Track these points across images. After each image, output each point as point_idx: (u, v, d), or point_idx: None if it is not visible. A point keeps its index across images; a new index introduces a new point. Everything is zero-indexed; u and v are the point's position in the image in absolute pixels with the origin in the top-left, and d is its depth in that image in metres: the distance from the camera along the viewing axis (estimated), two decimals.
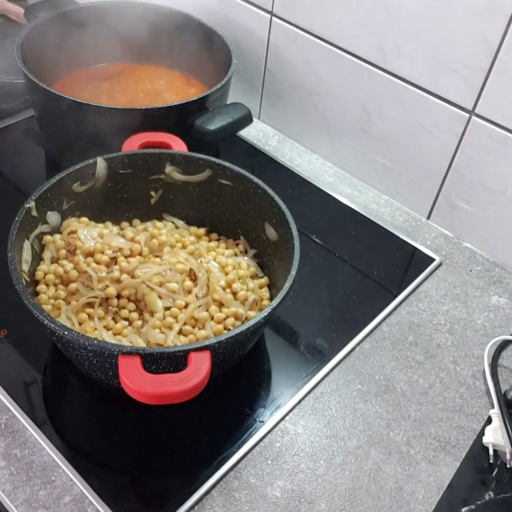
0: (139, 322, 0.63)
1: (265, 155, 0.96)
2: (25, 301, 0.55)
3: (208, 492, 0.57)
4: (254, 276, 0.70)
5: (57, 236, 0.68)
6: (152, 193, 0.75)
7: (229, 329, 0.62)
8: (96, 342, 0.53)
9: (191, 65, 0.96)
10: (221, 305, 0.65)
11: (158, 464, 0.59)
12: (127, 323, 0.63)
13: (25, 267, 0.62)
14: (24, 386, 0.63)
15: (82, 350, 0.56)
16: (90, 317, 0.62)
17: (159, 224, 0.74)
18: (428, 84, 0.79)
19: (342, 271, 0.80)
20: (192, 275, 0.66)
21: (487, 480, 0.60)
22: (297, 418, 0.63)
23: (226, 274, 0.67)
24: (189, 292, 0.65)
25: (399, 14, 0.77)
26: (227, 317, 0.63)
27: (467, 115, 0.77)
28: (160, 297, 0.64)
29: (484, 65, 0.72)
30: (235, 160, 0.72)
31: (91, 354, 0.56)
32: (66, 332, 0.53)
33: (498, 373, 0.69)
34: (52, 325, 0.53)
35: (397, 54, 0.80)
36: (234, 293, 0.66)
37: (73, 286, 0.64)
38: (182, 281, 0.66)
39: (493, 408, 0.65)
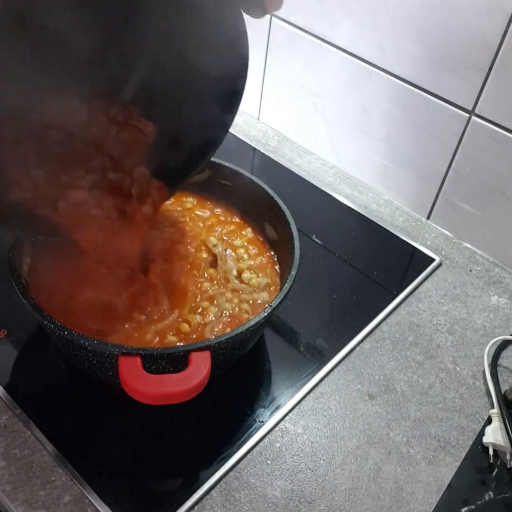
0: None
1: (265, 155, 0.96)
2: (25, 301, 0.55)
3: (208, 492, 0.57)
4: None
5: None
6: None
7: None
8: (96, 342, 0.53)
9: None
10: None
11: (158, 464, 0.59)
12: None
13: (25, 267, 0.62)
14: (24, 386, 0.63)
15: (82, 350, 0.56)
16: None
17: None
18: (428, 84, 0.79)
19: (342, 271, 0.80)
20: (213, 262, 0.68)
21: (487, 480, 0.60)
22: (297, 418, 0.63)
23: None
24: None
25: (399, 14, 0.77)
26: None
27: (467, 115, 0.77)
28: None
29: (484, 65, 0.72)
30: (235, 160, 0.72)
31: (91, 354, 0.56)
32: (66, 332, 0.53)
33: (498, 373, 0.69)
34: (52, 325, 0.53)
35: (397, 54, 0.80)
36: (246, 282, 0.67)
37: None
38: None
39: (493, 408, 0.65)
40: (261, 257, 0.70)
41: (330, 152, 0.96)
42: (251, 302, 0.65)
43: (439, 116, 0.80)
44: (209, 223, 0.73)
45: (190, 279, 0.65)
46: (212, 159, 0.71)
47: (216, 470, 0.58)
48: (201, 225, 0.72)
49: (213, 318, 0.63)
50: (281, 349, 0.70)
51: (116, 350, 0.52)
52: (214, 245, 0.69)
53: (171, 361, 0.53)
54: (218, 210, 0.75)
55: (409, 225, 0.88)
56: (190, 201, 0.75)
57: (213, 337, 0.58)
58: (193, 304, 0.63)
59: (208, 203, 0.75)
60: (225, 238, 0.71)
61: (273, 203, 0.68)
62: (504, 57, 0.70)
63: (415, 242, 0.85)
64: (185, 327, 0.61)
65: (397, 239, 0.85)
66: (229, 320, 0.63)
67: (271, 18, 0.90)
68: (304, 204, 0.88)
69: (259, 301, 0.65)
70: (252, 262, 0.69)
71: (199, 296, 0.64)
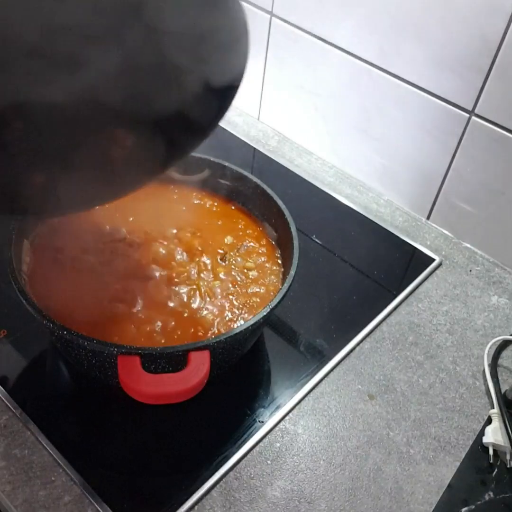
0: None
1: (265, 155, 0.96)
2: (25, 301, 0.55)
3: (208, 492, 0.57)
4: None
5: None
6: None
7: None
8: (95, 342, 0.53)
9: None
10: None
11: (158, 464, 0.59)
12: None
13: (25, 267, 0.62)
14: (24, 386, 0.63)
15: (81, 350, 0.56)
16: None
17: None
18: (428, 84, 0.79)
19: (342, 271, 0.80)
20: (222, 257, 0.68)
21: (487, 480, 0.60)
22: (297, 418, 0.63)
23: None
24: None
25: (399, 14, 0.77)
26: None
27: (467, 115, 0.77)
28: None
29: (484, 65, 0.72)
30: (235, 160, 0.72)
31: (90, 354, 0.56)
32: (65, 332, 0.53)
33: (498, 373, 0.69)
34: (51, 325, 0.53)
35: (397, 54, 0.80)
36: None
37: None
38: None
39: (493, 408, 0.65)
40: (267, 251, 0.70)
41: (330, 152, 0.96)
42: (259, 297, 0.65)
43: (439, 116, 0.80)
44: (220, 221, 0.73)
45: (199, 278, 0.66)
46: (211, 158, 0.72)
47: (216, 470, 0.58)
48: (217, 222, 0.73)
49: (225, 315, 0.63)
50: (281, 349, 0.70)
51: (115, 349, 0.52)
52: (228, 243, 0.70)
53: (170, 360, 0.53)
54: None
55: (409, 225, 0.88)
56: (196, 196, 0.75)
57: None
58: (202, 304, 0.64)
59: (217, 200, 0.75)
60: (239, 236, 0.72)
61: (272, 203, 0.68)
62: (504, 57, 0.70)
63: (415, 242, 0.85)
64: (200, 328, 0.61)
65: (397, 239, 0.85)
66: (240, 314, 0.63)
67: (271, 18, 0.91)
68: (304, 204, 0.88)
69: (262, 292, 0.65)
70: (260, 256, 0.69)
71: (208, 295, 0.64)
